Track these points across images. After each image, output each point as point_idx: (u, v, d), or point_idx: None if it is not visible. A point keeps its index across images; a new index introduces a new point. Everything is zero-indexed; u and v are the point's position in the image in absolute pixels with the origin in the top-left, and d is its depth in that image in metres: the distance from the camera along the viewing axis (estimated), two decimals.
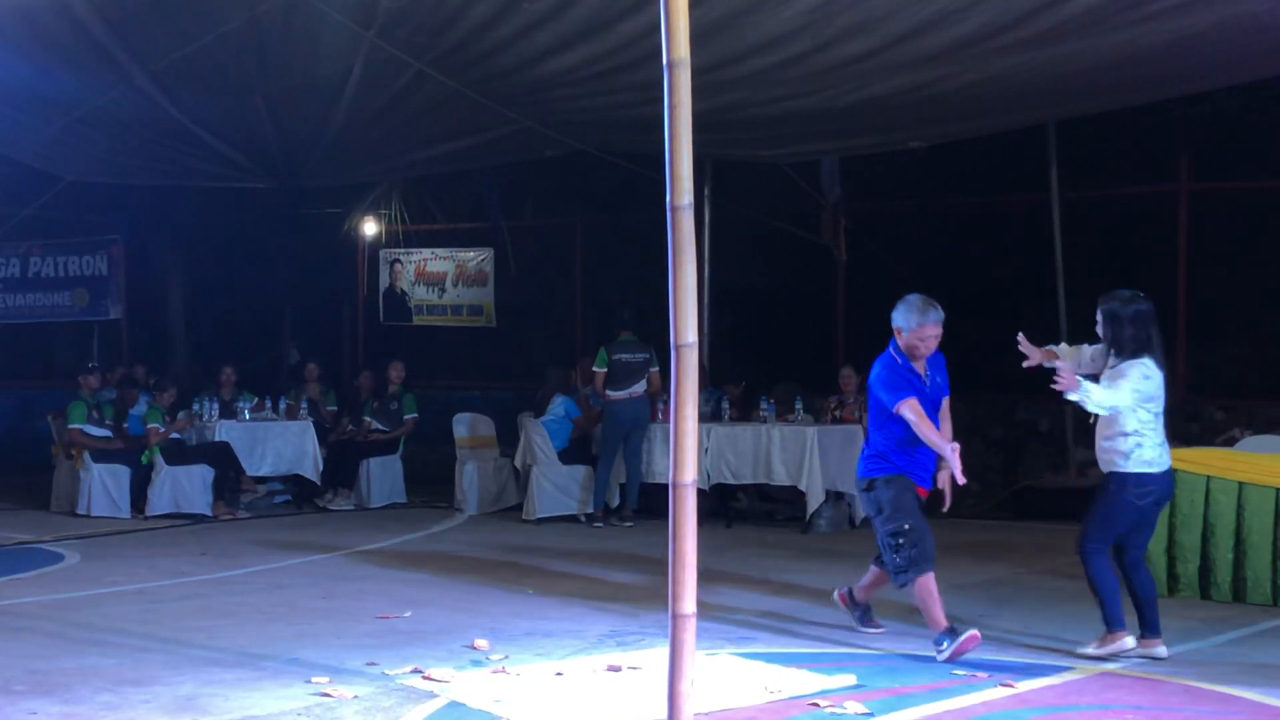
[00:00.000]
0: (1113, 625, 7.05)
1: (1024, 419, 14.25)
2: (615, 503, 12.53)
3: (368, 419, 14.10)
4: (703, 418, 11.76)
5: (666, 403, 8.74)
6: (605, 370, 12.37)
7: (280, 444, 13.40)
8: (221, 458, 12.87)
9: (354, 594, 8.88)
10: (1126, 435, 7.01)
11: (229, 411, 13.51)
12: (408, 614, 8.10)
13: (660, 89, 4.67)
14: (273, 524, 12.51)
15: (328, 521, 12.74)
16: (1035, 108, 11.82)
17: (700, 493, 6.15)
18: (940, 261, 13.90)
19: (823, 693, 6.20)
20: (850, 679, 6.47)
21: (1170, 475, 7.23)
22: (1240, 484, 8.59)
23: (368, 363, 16.06)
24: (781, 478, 11.96)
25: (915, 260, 13.89)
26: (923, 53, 9.66)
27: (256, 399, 13.79)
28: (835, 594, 7.98)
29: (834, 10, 8.98)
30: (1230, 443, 10.20)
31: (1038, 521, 12.38)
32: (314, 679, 6.42)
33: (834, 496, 12.07)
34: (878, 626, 7.71)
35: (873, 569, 7.70)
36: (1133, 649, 7.02)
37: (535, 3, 9.16)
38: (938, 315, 7.33)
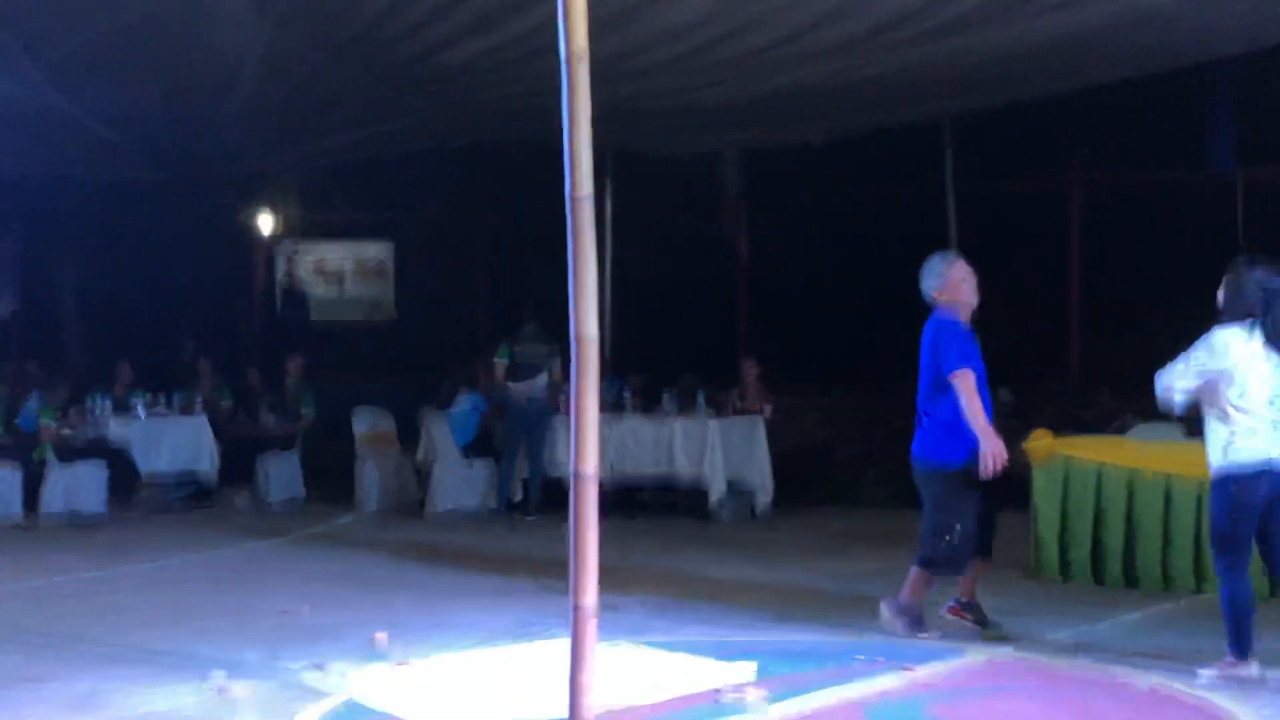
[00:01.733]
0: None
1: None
2: (519, 497, 12.50)
3: (264, 414, 13.93)
4: (605, 408, 11.76)
5: (567, 394, 8.75)
6: (507, 363, 12.34)
7: (176, 440, 13.21)
8: (116, 455, 12.67)
9: (254, 590, 8.80)
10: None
11: (123, 408, 13.30)
12: (308, 609, 8.04)
13: (559, 79, 4.66)
14: (170, 521, 12.35)
15: (226, 518, 12.59)
16: (932, 101, 11.95)
17: (602, 486, 6.14)
18: (839, 254, 14.00)
19: (724, 682, 6.22)
20: (751, 667, 6.50)
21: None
22: (1131, 471, 8.72)
23: (267, 357, 15.87)
24: (683, 469, 12.00)
25: (815, 252, 13.99)
26: (823, 46, 9.73)
27: (150, 395, 13.58)
28: (943, 611, 7.24)
29: (735, 2, 9.02)
30: (1122, 430, 10.35)
31: None
32: (213, 674, 6.34)
33: (735, 488, 12.13)
34: (998, 626, 7.13)
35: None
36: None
37: None
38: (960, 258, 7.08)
